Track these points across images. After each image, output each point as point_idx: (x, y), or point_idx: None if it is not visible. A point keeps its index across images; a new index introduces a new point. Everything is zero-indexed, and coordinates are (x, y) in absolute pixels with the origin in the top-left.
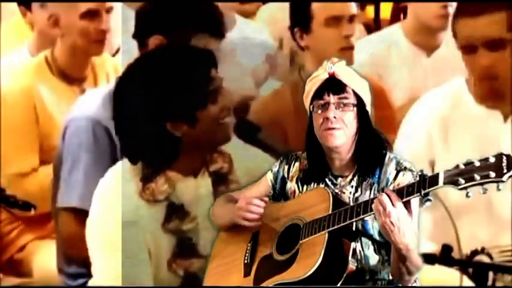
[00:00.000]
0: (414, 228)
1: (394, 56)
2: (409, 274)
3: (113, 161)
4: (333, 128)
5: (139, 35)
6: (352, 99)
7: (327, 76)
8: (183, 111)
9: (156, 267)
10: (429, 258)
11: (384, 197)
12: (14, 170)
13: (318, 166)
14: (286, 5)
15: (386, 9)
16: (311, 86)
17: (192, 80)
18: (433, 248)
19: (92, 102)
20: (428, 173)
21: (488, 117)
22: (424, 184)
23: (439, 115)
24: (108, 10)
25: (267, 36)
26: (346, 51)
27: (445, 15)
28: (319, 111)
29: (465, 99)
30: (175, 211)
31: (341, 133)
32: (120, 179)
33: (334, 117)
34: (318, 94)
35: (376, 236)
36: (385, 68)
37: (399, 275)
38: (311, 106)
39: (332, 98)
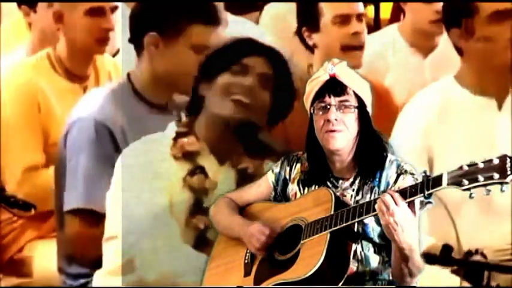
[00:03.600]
0: (416, 230)
1: (390, 57)
2: (411, 275)
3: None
4: (334, 131)
5: (135, 37)
6: (353, 101)
7: (327, 77)
8: None
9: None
10: (429, 258)
11: (387, 197)
12: (21, 166)
13: (318, 168)
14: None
15: (386, 9)
16: (312, 88)
17: None
18: (432, 241)
19: (94, 102)
20: (427, 170)
21: (482, 109)
22: (428, 185)
23: (432, 112)
24: (113, 9)
25: (263, 36)
26: (354, 51)
27: (439, 20)
28: (320, 113)
29: (457, 94)
30: (199, 168)
31: (342, 135)
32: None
33: (335, 120)
34: (319, 96)
35: (376, 239)
36: (381, 68)
37: (401, 277)
38: (311, 108)
39: (333, 100)
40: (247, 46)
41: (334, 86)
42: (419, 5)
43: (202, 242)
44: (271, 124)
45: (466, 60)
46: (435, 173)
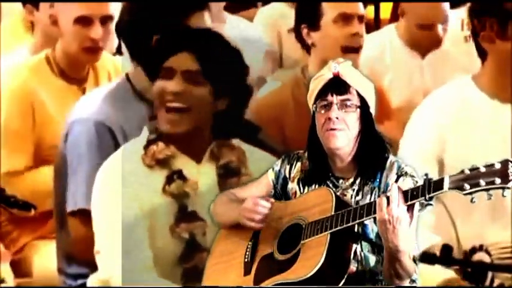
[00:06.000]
0: (412, 233)
1: (388, 57)
2: (398, 277)
3: None
4: (335, 129)
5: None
6: (355, 101)
7: (331, 76)
8: None
9: (154, 235)
10: (429, 258)
11: (394, 193)
12: (6, 169)
13: (319, 167)
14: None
15: (386, 9)
16: (315, 86)
17: None
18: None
19: (94, 102)
20: (436, 171)
21: (498, 113)
22: (429, 188)
23: (447, 113)
24: (105, 19)
25: (261, 34)
26: (352, 52)
27: (439, 20)
28: (322, 111)
29: (474, 97)
30: (176, 174)
31: (342, 134)
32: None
33: (337, 118)
34: (322, 94)
35: (375, 240)
36: (379, 69)
37: (389, 277)
38: (314, 106)
39: (335, 99)
40: (168, 45)
41: (337, 85)
42: (418, 5)
43: (191, 250)
44: (240, 107)
45: (489, 64)
46: (445, 175)
